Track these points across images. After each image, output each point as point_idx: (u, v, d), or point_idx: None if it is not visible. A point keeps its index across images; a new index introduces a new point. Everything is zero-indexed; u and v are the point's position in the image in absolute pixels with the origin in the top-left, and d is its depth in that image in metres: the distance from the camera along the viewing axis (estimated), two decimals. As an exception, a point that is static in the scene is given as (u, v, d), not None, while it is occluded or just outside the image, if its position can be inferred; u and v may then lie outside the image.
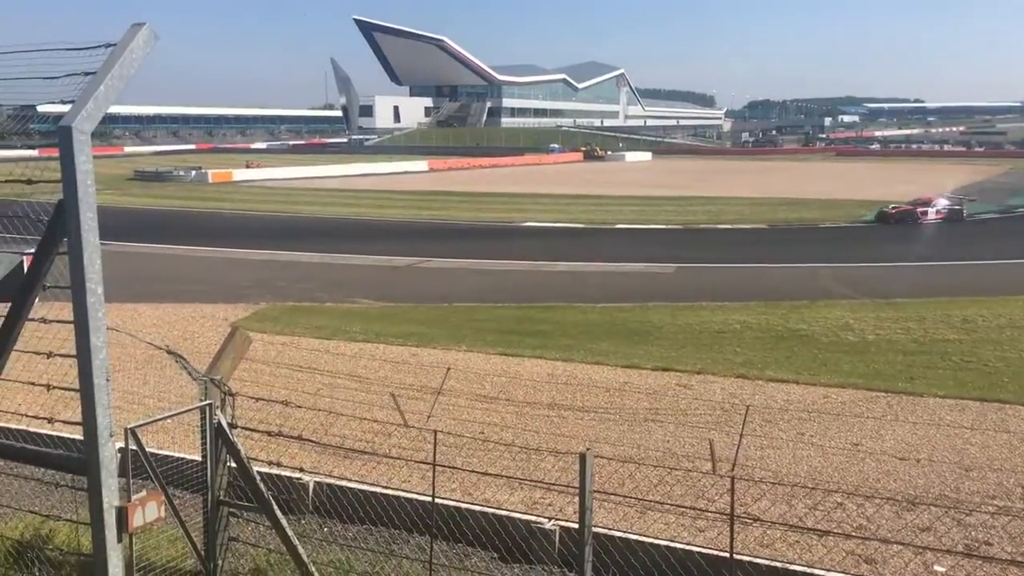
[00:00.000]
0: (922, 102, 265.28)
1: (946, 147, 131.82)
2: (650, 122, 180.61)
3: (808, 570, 6.66)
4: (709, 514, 8.68)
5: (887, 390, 14.45)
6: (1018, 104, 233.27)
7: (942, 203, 42.69)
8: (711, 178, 75.45)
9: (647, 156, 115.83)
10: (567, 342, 18.23)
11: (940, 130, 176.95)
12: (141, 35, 5.17)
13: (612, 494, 8.39)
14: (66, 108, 5.62)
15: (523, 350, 17.28)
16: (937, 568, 7.94)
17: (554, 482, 9.52)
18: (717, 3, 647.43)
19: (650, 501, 8.50)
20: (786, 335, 18.77)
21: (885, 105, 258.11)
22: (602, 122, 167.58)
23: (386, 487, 8.38)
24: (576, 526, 6.22)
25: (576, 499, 7.63)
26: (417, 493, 7.94)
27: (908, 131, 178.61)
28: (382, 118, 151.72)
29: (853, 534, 8.55)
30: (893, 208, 42.12)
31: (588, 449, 5.90)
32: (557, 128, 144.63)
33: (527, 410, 13.27)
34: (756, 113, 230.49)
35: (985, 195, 55.18)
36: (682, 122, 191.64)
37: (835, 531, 8.58)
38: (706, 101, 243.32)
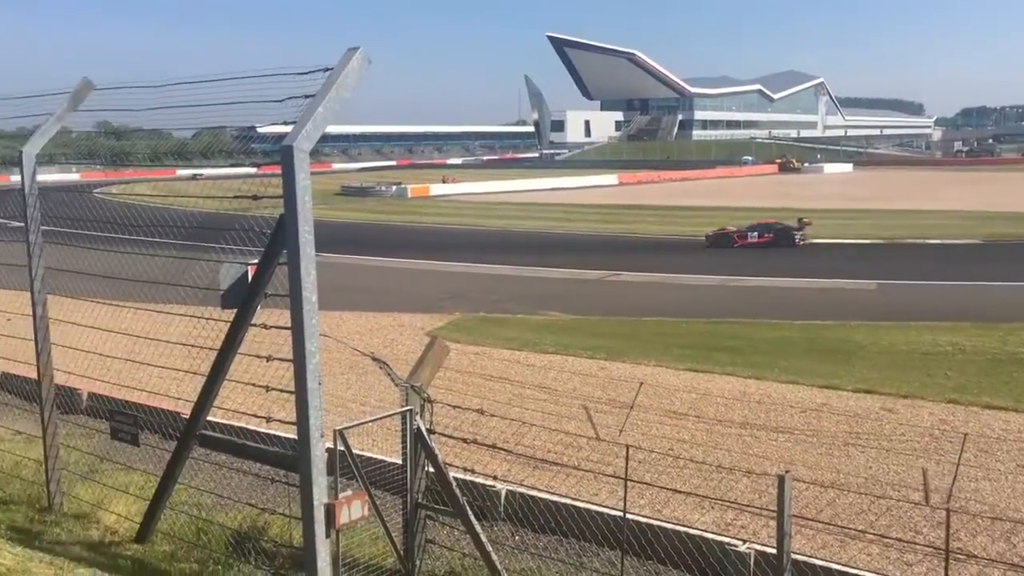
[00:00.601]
0: None
1: None
2: (851, 132, 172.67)
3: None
4: (919, 547, 8.15)
5: (1125, 423, 13.08)
6: None
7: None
8: (918, 190, 71.14)
9: (847, 168, 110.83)
10: (760, 359, 17.66)
11: None
12: (356, 59, 5.46)
13: (811, 520, 8.04)
14: (284, 129, 6.02)
15: (714, 366, 16.91)
16: None
17: (747, 503, 9.24)
18: (924, 4, 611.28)
19: (853, 530, 8.08)
20: (1004, 359, 17.36)
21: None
22: (799, 133, 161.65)
23: (576, 499, 8.41)
24: (773, 551, 6.01)
25: (771, 522, 7.37)
26: (608, 507, 7.92)
27: None
28: (573, 133, 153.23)
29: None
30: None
31: (787, 472, 5.69)
32: (751, 140, 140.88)
33: (718, 428, 12.96)
34: (970, 121, 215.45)
35: None
36: (886, 131, 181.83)
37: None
38: (913, 109, 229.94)
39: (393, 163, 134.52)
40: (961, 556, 7.86)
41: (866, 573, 6.80)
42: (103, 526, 7.44)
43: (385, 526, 6.48)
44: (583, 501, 8.38)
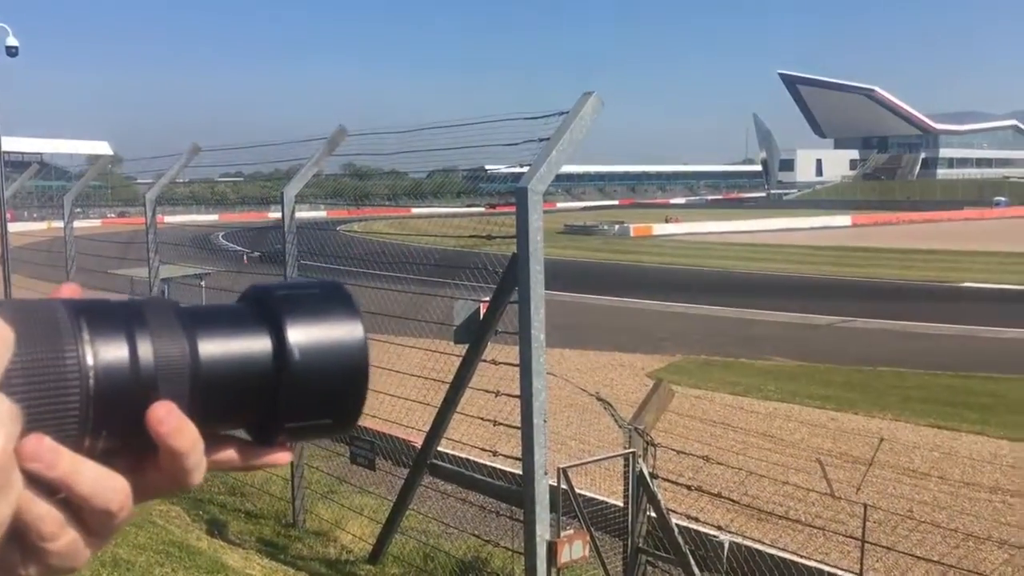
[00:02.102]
0: None
1: None
2: None
3: None
4: None
5: None
6: None
7: None
8: None
9: None
10: (1014, 419, 16.09)
11: None
12: (590, 103, 5.56)
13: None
14: (517, 170, 6.21)
15: (960, 423, 15.59)
16: None
17: (999, 578, 8.42)
18: None
19: None
20: None
21: None
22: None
23: (806, 557, 7.99)
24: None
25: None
26: (842, 569, 7.47)
27: None
28: (803, 172, 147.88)
29: None
30: None
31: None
32: (1004, 179, 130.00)
33: (964, 491, 11.91)
34: None
35: None
36: None
37: None
38: None
39: (616, 202, 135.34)
40: None
41: None
42: (340, 544, 7.89)
43: (605, 568, 6.44)
44: (814, 560, 7.95)
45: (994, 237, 64.19)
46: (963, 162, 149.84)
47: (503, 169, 7.05)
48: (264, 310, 0.64)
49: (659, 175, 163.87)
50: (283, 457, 0.66)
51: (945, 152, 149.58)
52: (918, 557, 7.93)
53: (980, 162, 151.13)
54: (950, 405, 17.23)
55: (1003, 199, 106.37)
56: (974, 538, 9.46)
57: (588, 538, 5.95)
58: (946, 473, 12.68)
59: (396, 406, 7.93)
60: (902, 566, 8.67)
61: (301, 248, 8.54)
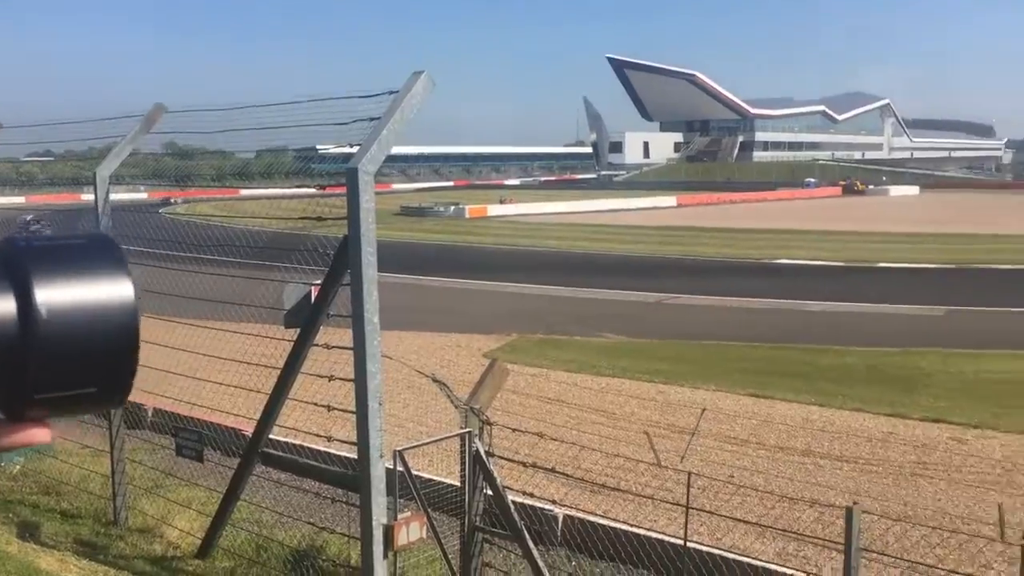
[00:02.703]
0: None
1: None
2: (918, 154, 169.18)
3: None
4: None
5: None
6: None
7: None
8: (989, 214, 69.35)
9: (914, 190, 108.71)
10: (823, 386, 17.30)
11: None
12: (421, 82, 5.50)
13: (879, 553, 7.80)
14: (348, 150, 6.08)
15: (776, 392, 16.59)
16: None
17: (811, 534, 9.02)
18: (996, 26, 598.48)
19: (922, 565, 7.83)
20: (1082, 390, 16.75)
21: None
22: (863, 155, 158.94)
23: (636, 526, 8.29)
24: (840, 585, 5.84)
25: (835, 555, 7.18)
26: (668, 535, 7.79)
27: None
28: (632, 154, 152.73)
29: None
30: None
31: (856, 503, 5.53)
32: (813, 162, 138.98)
33: (780, 456, 12.70)
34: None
35: None
36: (955, 154, 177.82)
37: None
38: (983, 131, 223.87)
39: (451, 184, 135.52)
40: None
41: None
42: (166, 541, 7.55)
43: (442, 548, 6.46)
44: (643, 528, 8.26)
45: (806, 216, 68.54)
46: (777, 145, 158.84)
47: (334, 150, 6.90)
48: (9, 267, 0.56)
49: (493, 156, 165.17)
50: (38, 435, 0.59)
51: (761, 136, 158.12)
52: (738, 519, 8.39)
53: (792, 145, 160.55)
54: (768, 375, 18.31)
55: (813, 180, 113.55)
56: (788, 499, 10.10)
57: (425, 519, 5.94)
58: (763, 439, 13.48)
59: (225, 394, 7.64)
60: (724, 528, 9.16)
61: (117, 231, 8.08)
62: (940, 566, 8.21)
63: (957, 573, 8.24)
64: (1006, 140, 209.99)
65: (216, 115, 7.68)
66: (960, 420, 14.61)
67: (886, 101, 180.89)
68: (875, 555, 7.92)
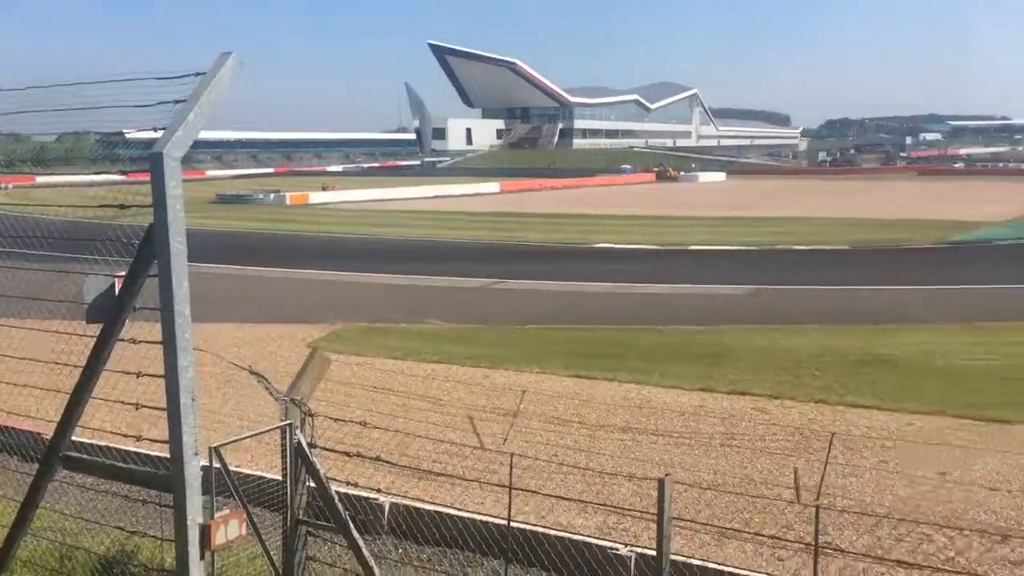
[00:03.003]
0: (1008, 119, 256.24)
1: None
2: (724, 142, 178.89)
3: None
4: (790, 544, 8.46)
5: (976, 417, 13.93)
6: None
7: None
8: (787, 198, 74.30)
9: (720, 176, 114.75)
10: (641, 365, 18.05)
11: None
12: (229, 63, 5.30)
13: (691, 521, 8.24)
14: (154, 135, 5.79)
15: (596, 372, 17.17)
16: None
17: (629, 507, 9.41)
18: (791, 22, 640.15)
19: (729, 529, 8.33)
20: (868, 360, 18.27)
21: (969, 123, 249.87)
22: (675, 142, 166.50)
23: (461, 509, 8.38)
24: (653, 553, 6.12)
25: (652, 525, 7.51)
26: (492, 516, 7.92)
27: (994, 149, 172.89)
28: (455, 140, 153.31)
29: (943, 568, 8.23)
30: None
31: (667, 475, 5.81)
32: (629, 149, 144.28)
33: (601, 433, 13.16)
34: (834, 132, 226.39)
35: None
36: (756, 142, 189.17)
37: (924, 564, 8.27)
38: (781, 120, 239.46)
39: (271, 170, 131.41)
40: (829, 551, 8.20)
41: (741, 570, 7.01)
42: (-45, 557, 6.96)
43: (263, 544, 6.29)
44: (468, 511, 8.36)
45: (623, 201, 71.07)
46: (595, 133, 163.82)
47: (139, 134, 6.54)
48: None
49: (315, 142, 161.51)
50: None
51: (579, 123, 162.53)
52: (560, 497, 8.65)
53: (609, 133, 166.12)
54: (589, 356, 18.90)
55: (628, 167, 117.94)
56: (608, 475, 10.50)
57: (245, 516, 5.77)
58: (585, 418, 13.92)
59: (21, 396, 7.13)
60: (547, 506, 9.42)
61: None
62: (747, 529, 8.78)
63: (762, 535, 8.83)
64: (801, 129, 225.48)
65: (6, 96, 7.10)
66: (763, 392, 15.62)
67: (694, 91, 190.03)
68: (687, 523, 8.37)
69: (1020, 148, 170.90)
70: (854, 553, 8.34)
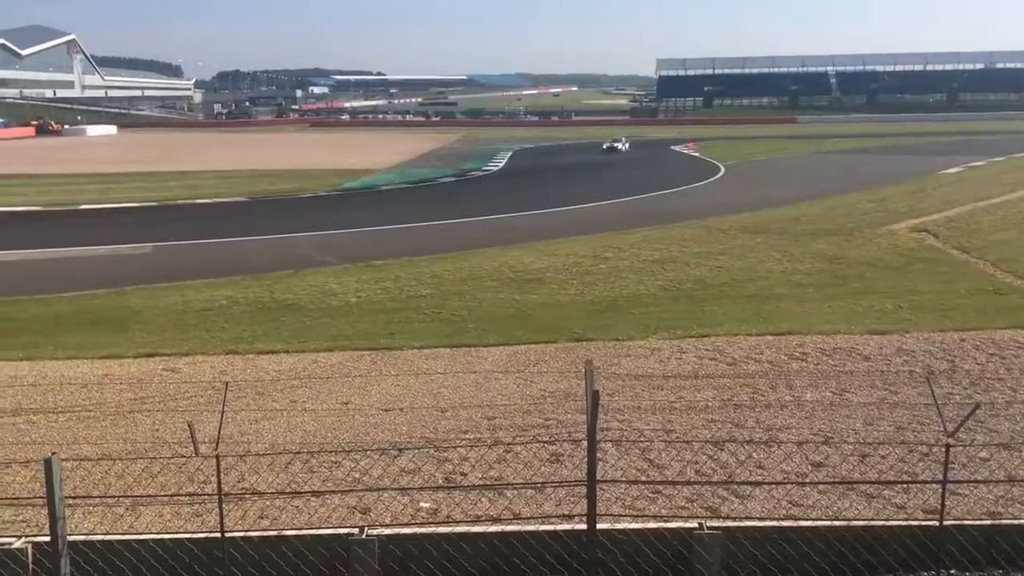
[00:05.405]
0: (384, 75, 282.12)
1: (408, 116, 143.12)
2: (112, 93, 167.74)
3: (299, 532, 6.79)
4: (204, 497, 8.45)
5: (371, 348, 15.31)
6: (463, 78, 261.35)
7: None
8: (185, 152, 72.92)
9: (112, 130, 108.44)
10: (31, 339, 16.36)
11: (401, 101, 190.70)
12: None
13: (103, 497, 7.73)
14: None
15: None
16: (423, 504, 8.66)
17: (30, 495, 8.51)
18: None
19: (137, 496, 8.01)
20: (273, 306, 18.91)
21: (352, 77, 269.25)
22: (55, 93, 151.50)
23: None
24: (49, 539, 5.62)
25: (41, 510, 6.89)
26: None
27: (374, 102, 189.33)
28: None
29: (346, 488, 8.93)
30: None
31: (54, 453, 5.34)
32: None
33: (-12, 420, 11.66)
34: (227, 84, 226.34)
35: (443, 161, 61.09)
36: (148, 93, 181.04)
37: (329, 490, 8.89)
38: (173, 71, 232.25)
39: None
40: (242, 495, 8.39)
41: (149, 535, 6.79)
42: None
43: None
44: None
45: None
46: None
47: None
48: None
49: None
50: None
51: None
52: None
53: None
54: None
55: (0, 120, 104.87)
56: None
57: None
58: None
59: None
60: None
61: None
62: (157, 493, 8.54)
63: (169, 495, 8.68)
64: (195, 80, 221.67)
65: None
66: (172, 351, 15.27)
67: (72, 36, 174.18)
68: (92, 499, 7.85)
69: (396, 101, 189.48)
70: (263, 493, 8.66)
